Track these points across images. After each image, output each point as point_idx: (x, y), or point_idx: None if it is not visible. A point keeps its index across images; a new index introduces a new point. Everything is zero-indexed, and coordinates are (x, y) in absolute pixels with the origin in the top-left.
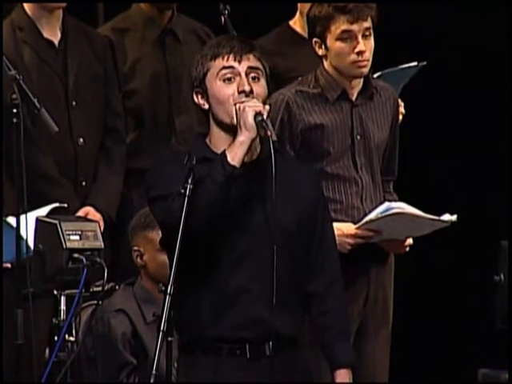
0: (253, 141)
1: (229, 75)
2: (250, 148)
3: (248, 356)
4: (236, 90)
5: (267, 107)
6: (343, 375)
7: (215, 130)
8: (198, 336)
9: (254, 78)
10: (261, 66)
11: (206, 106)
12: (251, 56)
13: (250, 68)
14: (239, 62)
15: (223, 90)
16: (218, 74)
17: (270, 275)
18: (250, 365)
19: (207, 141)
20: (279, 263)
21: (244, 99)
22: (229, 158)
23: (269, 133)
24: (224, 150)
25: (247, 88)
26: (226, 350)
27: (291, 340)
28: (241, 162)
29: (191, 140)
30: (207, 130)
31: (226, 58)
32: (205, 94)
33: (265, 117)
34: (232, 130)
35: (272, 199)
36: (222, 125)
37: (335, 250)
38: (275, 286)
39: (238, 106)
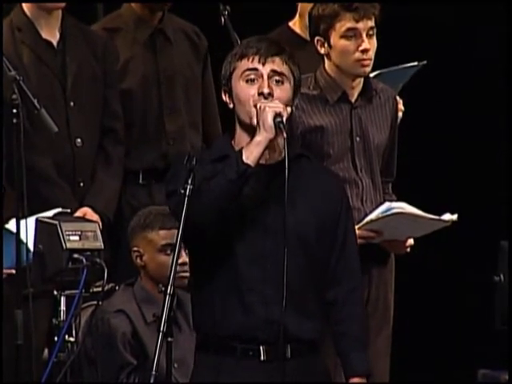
0: (271, 141)
1: (252, 76)
2: (268, 148)
3: (262, 358)
4: (256, 91)
5: (289, 109)
6: (357, 382)
7: (238, 130)
8: (212, 334)
9: (277, 82)
10: (286, 71)
11: (231, 105)
12: (277, 59)
13: (274, 71)
14: (263, 64)
15: (245, 91)
16: (242, 74)
17: (283, 278)
18: (263, 367)
19: (232, 141)
20: (296, 268)
21: (264, 100)
22: (244, 157)
23: (285, 135)
24: (241, 148)
25: (266, 91)
26: (239, 350)
27: (309, 344)
28: (256, 162)
29: (217, 138)
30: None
31: (251, 59)
32: (230, 93)
33: (284, 119)
34: (252, 131)
35: (292, 202)
36: (243, 125)
37: (357, 258)
38: (285, 289)
39: (258, 105)
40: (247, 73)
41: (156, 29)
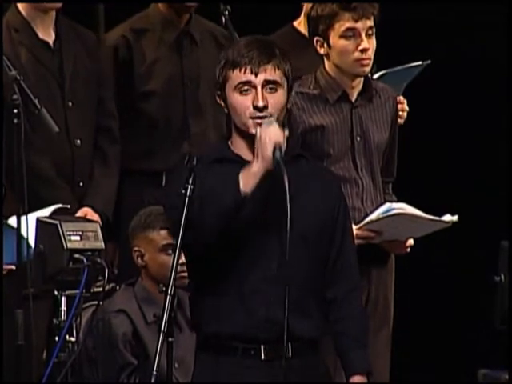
0: (268, 172)
1: (246, 87)
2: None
3: (263, 357)
4: (251, 103)
5: (286, 133)
6: (357, 380)
7: (234, 134)
8: (213, 334)
9: (271, 89)
10: (279, 77)
11: (226, 110)
12: (269, 67)
13: (267, 81)
14: (256, 74)
15: (239, 102)
16: (235, 86)
17: (286, 278)
18: (265, 366)
19: (229, 142)
20: (299, 268)
21: (263, 121)
22: (241, 185)
23: (285, 175)
24: (238, 174)
25: (260, 104)
26: (240, 349)
27: (310, 344)
28: (253, 189)
29: (215, 141)
30: (225, 132)
31: (243, 70)
32: (224, 99)
33: (283, 147)
34: (248, 137)
35: (293, 203)
36: (239, 131)
37: (354, 258)
38: (287, 289)
39: (258, 133)
40: (240, 85)
41: (183, 30)
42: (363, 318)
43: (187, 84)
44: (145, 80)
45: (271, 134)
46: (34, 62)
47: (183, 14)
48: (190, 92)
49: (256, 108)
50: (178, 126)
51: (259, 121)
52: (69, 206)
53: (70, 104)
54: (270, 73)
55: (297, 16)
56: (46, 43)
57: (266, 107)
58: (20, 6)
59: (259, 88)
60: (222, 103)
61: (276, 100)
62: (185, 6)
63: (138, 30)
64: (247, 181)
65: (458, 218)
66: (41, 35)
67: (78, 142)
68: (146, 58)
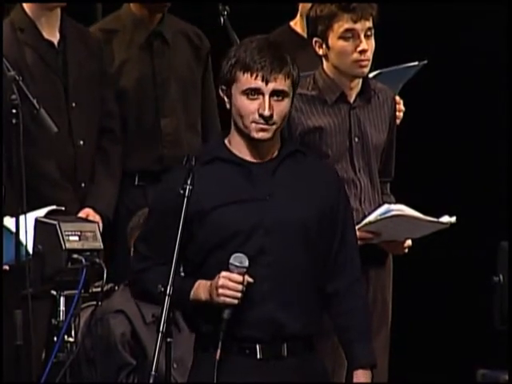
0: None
1: (253, 92)
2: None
3: (259, 356)
4: (257, 109)
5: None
6: (360, 376)
7: (234, 132)
8: (209, 333)
9: (278, 97)
10: (287, 87)
11: (228, 106)
12: (280, 76)
13: (275, 91)
14: (266, 82)
15: (245, 106)
16: (243, 90)
17: (282, 275)
18: (260, 365)
19: (227, 140)
20: (298, 263)
21: (232, 261)
22: (191, 294)
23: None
24: (194, 283)
25: (267, 113)
26: (235, 348)
27: (306, 341)
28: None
29: (211, 139)
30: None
31: (254, 76)
32: (229, 95)
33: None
34: (248, 137)
35: (292, 197)
36: (239, 131)
37: (356, 250)
38: (279, 285)
39: (220, 290)
40: (249, 91)
41: (154, 31)
42: (366, 310)
43: (159, 84)
44: (114, 80)
45: (228, 292)
46: (38, 63)
47: (156, 13)
48: (161, 92)
49: (261, 116)
50: (150, 127)
51: (262, 126)
52: (63, 208)
53: (74, 104)
54: (280, 82)
55: (295, 16)
56: (50, 43)
57: (271, 116)
58: (25, 5)
59: (267, 97)
60: (226, 99)
61: (281, 109)
62: (159, 5)
63: (108, 30)
64: (198, 296)
65: (458, 218)
66: (46, 35)
67: (81, 142)
68: (115, 58)
